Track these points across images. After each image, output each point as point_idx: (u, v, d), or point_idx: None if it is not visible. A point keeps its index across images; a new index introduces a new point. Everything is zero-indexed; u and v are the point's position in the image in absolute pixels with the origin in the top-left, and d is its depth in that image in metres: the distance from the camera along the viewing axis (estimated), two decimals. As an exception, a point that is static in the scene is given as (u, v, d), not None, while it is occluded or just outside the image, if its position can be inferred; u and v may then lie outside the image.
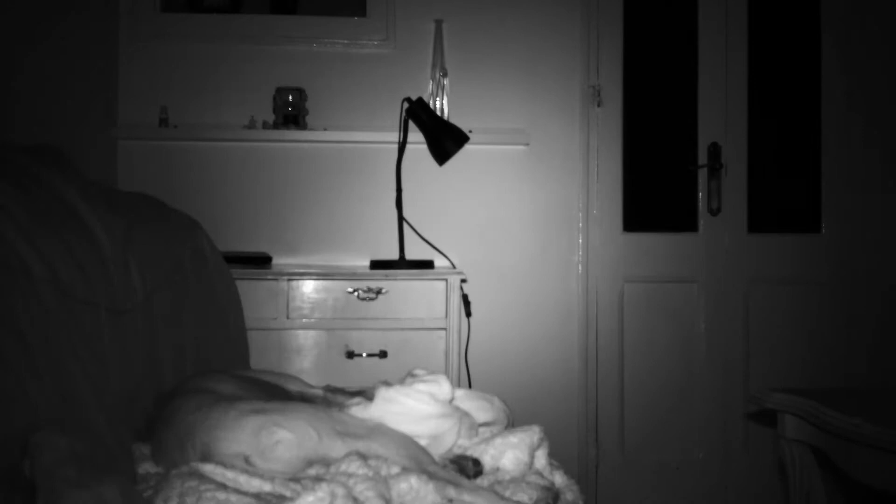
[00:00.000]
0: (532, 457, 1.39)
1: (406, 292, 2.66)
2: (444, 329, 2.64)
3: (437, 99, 3.10)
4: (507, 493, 1.26)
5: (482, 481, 1.31)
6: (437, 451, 1.36)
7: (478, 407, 1.50)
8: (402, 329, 2.64)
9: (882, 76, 3.31)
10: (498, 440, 1.39)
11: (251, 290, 2.56)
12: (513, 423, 1.57)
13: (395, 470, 1.23)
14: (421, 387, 1.40)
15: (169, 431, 1.33)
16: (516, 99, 3.19)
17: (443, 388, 1.42)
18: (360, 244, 3.09)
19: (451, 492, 1.21)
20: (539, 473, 1.39)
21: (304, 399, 1.54)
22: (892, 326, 3.25)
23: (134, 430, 1.41)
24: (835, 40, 3.33)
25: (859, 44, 3.32)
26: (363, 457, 1.24)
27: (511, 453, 1.37)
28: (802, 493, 2.01)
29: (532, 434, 1.40)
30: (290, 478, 1.23)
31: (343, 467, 1.22)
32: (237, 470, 1.20)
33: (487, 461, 1.37)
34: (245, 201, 3.09)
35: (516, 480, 1.32)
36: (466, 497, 1.22)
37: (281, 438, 1.25)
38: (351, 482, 1.16)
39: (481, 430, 1.48)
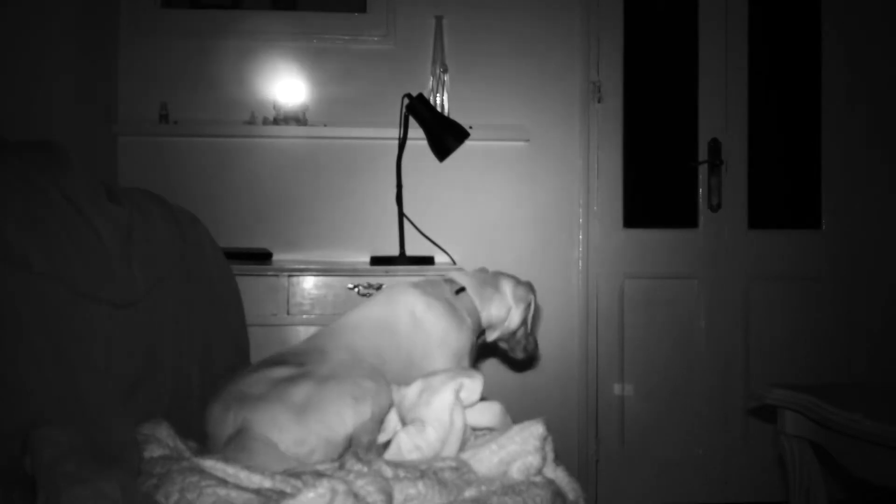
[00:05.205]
0: (543, 460, 1.37)
1: (406, 288, 2.66)
2: (445, 325, 2.64)
3: (438, 95, 3.09)
4: (520, 500, 1.25)
5: (491, 486, 1.29)
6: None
7: (481, 410, 1.48)
8: (403, 325, 2.64)
9: (883, 72, 3.31)
10: (507, 445, 1.34)
11: (252, 286, 2.56)
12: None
13: (402, 472, 1.23)
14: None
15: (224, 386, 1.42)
16: (517, 95, 3.19)
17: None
18: (361, 240, 3.09)
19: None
20: (541, 474, 1.37)
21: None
22: (891, 322, 3.25)
23: (135, 421, 1.41)
24: (835, 35, 3.32)
25: (860, 39, 3.32)
26: (361, 459, 1.24)
27: (520, 461, 1.34)
28: (802, 489, 2.01)
29: (536, 438, 1.36)
30: (291, 473, 1.23)
31: (347, 465, 1.22)
32: (238, 466, 1.20)
33: (495, 463, 1.34)
34: (245, 197, 3.09)
35: (523, 483, 1.31)
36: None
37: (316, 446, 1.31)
38: (351, 477, 1.16)
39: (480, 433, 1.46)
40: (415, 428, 1.36)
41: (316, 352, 1.55)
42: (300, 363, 1.48)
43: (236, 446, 1.31)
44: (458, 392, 1.38)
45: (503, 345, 1.97)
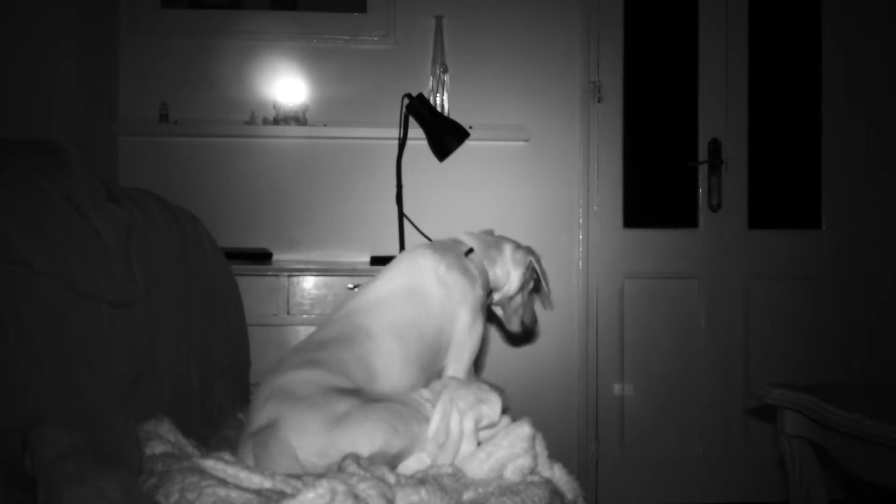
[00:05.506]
0: (535, 459, 1.37)
1: (406, 288, 2.66)
2: (445, 325, 2.63)
3: (438, 95, 3.09)
4: (518, 500, 1.25)
5: (489, 488, 1.29)
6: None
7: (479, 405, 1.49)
8: (403, 325, 2.64)
9: (882, 72, 3.31)
10: (495, 452, 1.34)
11: (252, 286, 2.57)
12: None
13: (403, 479, 1.22)
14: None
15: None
16: (517, 95, 3.19)
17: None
18: (361, 240, 3.09)
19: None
20: (537, 473, 1.37)
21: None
22: (891, 322, 3.25)
23: (135, 421, 1.41)
24: (835, 35, 3.32)
25: (860, 39, 3.32)
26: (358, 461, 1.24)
27: (512, 465, 1.34)
28: (802, 489, 2.01)
29: (523, 440, 1.35)
30: (291, 474, 1.23)
31: (349, 469, 1.22)
32: (238, 466, 1.20)
33: (485, 470, 1.34)
34: (245, 197, 3.09)
35: (521, 484, 1.31)
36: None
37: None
38: (353, 480, 1.15)
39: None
40: (427, 455, 1.36)
41: (362, 335, 1.54)
42: (342, 361, 1.46)
43: (259, 440, 1.30)
44: (477, 422, 1.38)
45: (499, 311, 1.97)
